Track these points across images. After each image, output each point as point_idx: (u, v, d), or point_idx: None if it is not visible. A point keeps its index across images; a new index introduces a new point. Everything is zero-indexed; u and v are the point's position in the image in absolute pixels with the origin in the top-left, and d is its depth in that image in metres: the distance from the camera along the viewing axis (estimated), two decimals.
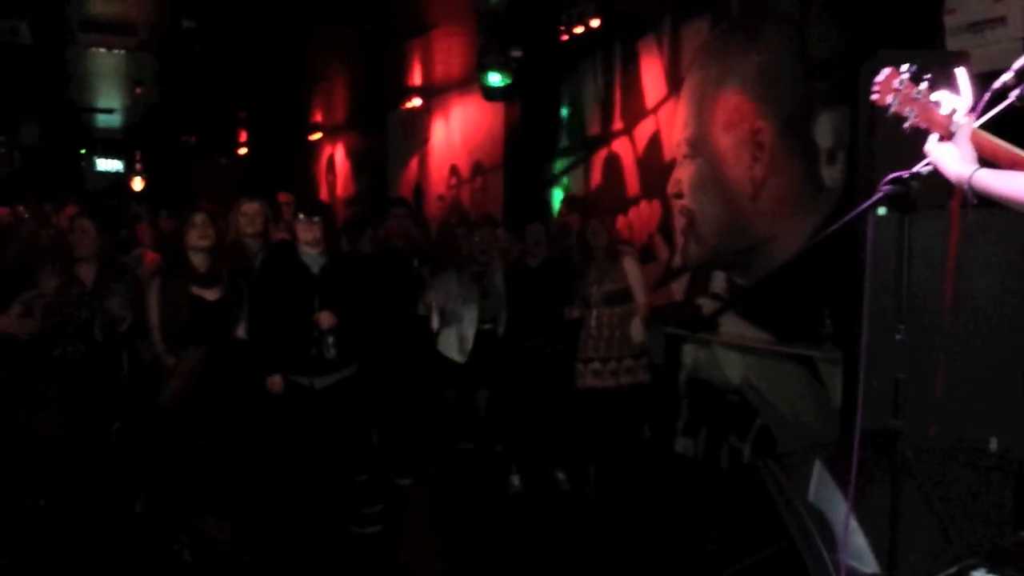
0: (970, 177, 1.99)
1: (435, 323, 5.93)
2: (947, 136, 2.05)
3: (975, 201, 2.04)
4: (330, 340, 4.88)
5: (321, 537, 4.96)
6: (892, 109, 2.07)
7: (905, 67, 2.07)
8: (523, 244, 6.18)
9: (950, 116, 2.05)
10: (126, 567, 4.62)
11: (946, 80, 2.18)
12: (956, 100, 2.07)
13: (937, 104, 2.07)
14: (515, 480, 5.92)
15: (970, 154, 2.02)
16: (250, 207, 5.38)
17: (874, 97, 2.10)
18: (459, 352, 6.00)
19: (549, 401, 5.93)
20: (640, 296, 5.81)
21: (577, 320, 5.80)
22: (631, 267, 5.84)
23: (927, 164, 2.24)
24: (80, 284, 4.91)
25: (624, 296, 5.78)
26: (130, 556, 4.69)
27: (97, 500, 5.03)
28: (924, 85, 2.05)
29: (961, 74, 2.10)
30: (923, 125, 2.07)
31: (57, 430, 4.78)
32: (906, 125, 2.08)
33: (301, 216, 4.96)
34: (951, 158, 2.03)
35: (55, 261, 4.92)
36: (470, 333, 5.98)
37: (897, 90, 2.06)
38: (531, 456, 6.02)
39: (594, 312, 5.75)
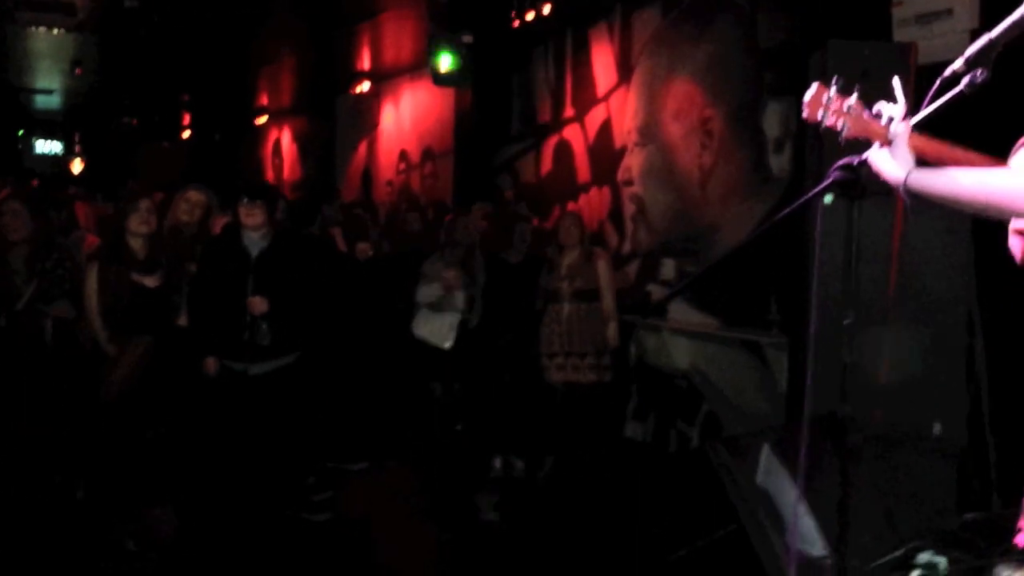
0: (904, 180, 1.96)
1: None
2: (885, 143, 2.06)
3: (911, 205, 2.02)
4: (264, 326, 4.72)
5: (268, 525, 4.89)
6: (824, 124, 2.07)
7: (833, 81, 2.08)
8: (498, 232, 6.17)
9: (887, 125, 2.05)
10: (69, 556, 4.52)
11: (892, 72, 2.19)
12: (892, 107, 2.08)
13: (872, 114, 2.08)
14: (496, 464, 5.95)
15: (906, 158, 2.02)
16: (194, 195, 5.27)
17: (805, 115, 2.10)
18: (445, 339, 5.94)
19: (515, 393, 5.93)
20: (609, 300, 5.75)
21: (540, 313, 5.78)
22: (604, 270, 5.78)
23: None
24: (7, 267, 4.77)
25: (593, 294, 5.73)
26: (72, 544, 4.58)
27: (38, 488, 4.91)
28: (854, 98, 2.05)
29: (896, 82, 2.11)
30: (859, 135, 2.07)
31: None
32: (841, 138, 2.08)
33: (245, 200, 4.84)
34: (887, 163, 2.03)
35: None
36: (455, 322, 5.93)
37: (826, 105, 2.07)
38: (489, 444, 6.02)
39: (564, 307, 5.72)
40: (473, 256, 6.08)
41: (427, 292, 5.96)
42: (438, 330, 5.92)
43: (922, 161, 2.05)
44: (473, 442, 6.21)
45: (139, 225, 4.70)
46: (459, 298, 5.93)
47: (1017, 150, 1.89)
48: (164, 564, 4.50)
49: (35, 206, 5.13)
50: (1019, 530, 1.96)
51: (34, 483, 4.91)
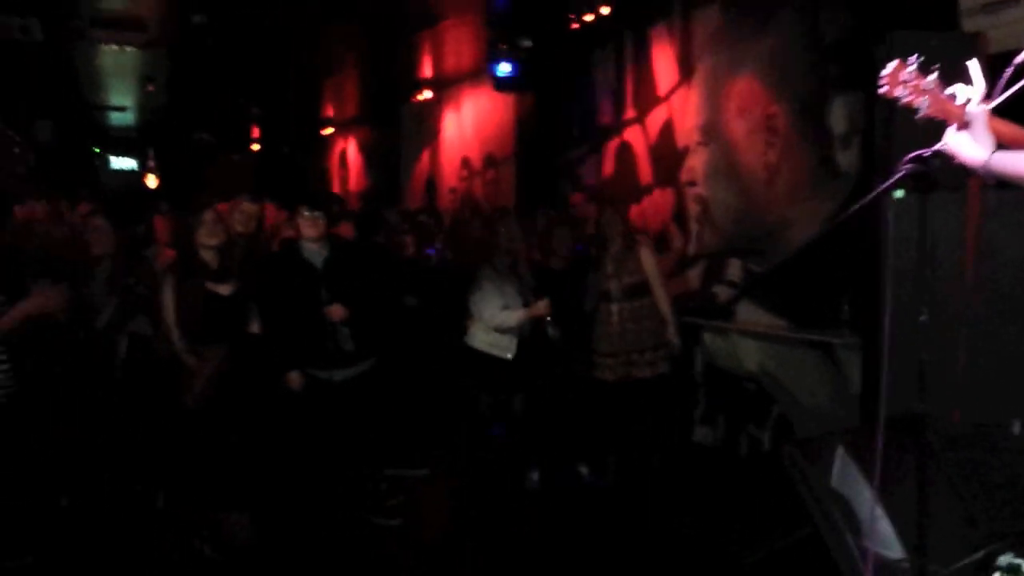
0: (987, 161, 1.99)
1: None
2: (962, 125, 2.04)
3: (992, 183, 2.04)
4: (345, 332, 4.86)
5: (342, 530, 4.96)
6: (903, 100, 2.06)
7: (912, 58, 2.05)
8: (539, 239, 6.08)
9: (963, 105, 2.03)
10: (147, 563, 4.63)
11: (961, 62, 2.16)
12: (969, 90, 2.06)
13: (950, 94, 2.06)
14: (534, 476, 5.89)
15: (987, 140, 2.01)
16: (248, 207, 5.38)
17: (882, 90, 2.08)
18: (508, 350, 5.71)
19: (571, 396, 5.90)
20: (658, 289, 5.68)
21: (590, 314, 5.75)
22: (647, 258, 5.72)
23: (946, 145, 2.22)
24: (92, 281, 4.93)
25: (643, 289, 5.66)
26: (151, 552, 4.70)
27: (118, 498, 5.04)
28: (934, 75, 2.03)
29: (973, 64, 2.08)
30: (937, 115, 2.05)
31: (67, 429, 4.76)
32: (919, 116, 2.06)
33: (305, 213, 4.92)
34: (968, 145, 2.02)
35: (73, 260, 4.89)
36: (516, 329, 5.70)
37: (905, 81, 2.04)
38: (552, 452, 5.98)
39: (614, 307, 5.68)
40: (520, 263, 5.89)
41: (491, 312, 5.68)
42: (499, 340, 5.75)
43: (998, 144, 2.03)
44: (526, 452, 6.04)
45: (208, 237, 4.80)
46: (517, 304, 5.79)
47: None
48: (241, 570, 4.59)
49: (117, 221, 5.27)
50: None
51: (115, 493, 5.05)
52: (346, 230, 6.09)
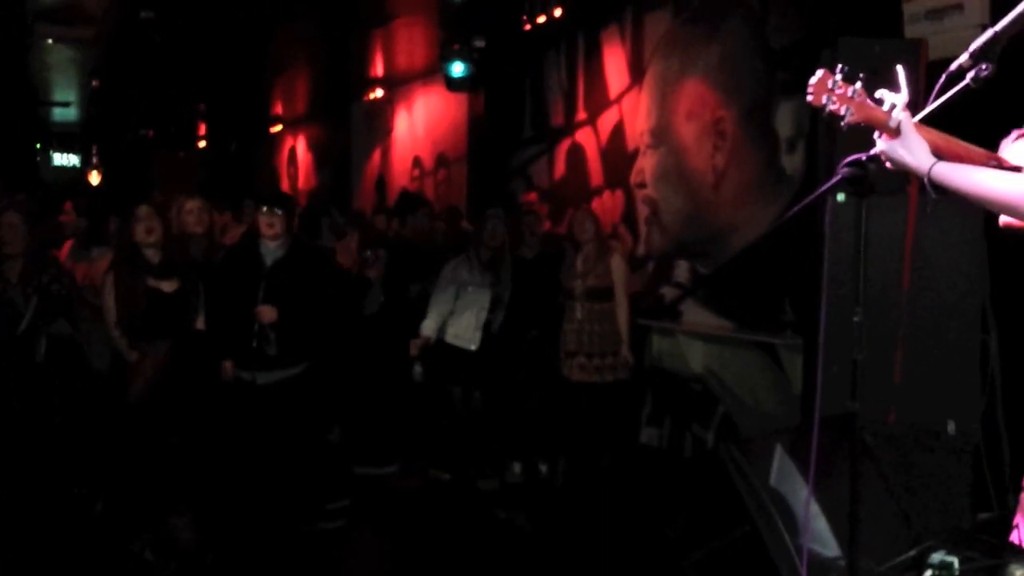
0: (929, 170, 1.99)
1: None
2: (889, 132, 2.06)
3: (935, 195, 2.06)
4: (271, 335, 4.72)
5: (283, 534, 4.90)
6: (827, 109, 2.06)
7: (839, 67, 2.07)
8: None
9: (889, 112, 2.05)
10: (86, 568, 4.54)
11: (905, 67, 2.19)
12: (895, 97, 2.08)
13: (876, 101, 2.09)
14: (516, 468, 5.95)
15: (924, 148, 2.04)
16: (192, 204, 5.30)
17: (809, 99, 2.10)
18: (472, 341, 5.86)
19: (540, 393, 5.93)
20: (621, 298, 5.71)
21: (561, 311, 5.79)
22: (617, 265, 5.74)
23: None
24: (4, 281, 4.74)
25: (606, 294, 5.69)
26: (90, 556, 4.60)
27: (56, 501, 4.93)
28: (859, 84, 2.06)
29: (899, 70, 2.12)
30: (862, 122, 2.07)
31: None
32: (843, 123, 2.08)
33: (264, 209, 4.85)
34: (906, 152, 2.04)
35: None
36: (474, 320, 5.85)
37: (831, 90, 2.06)
38: (515, 449, 6.02)
39: (576, 305, 5.71)
40: (502, 259, 5.99)
41: (441, 298, 5.90)
42: (464, 331, 5.85)
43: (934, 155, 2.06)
44: (494, 446, 6.17)
45: (145, 235, 4.72)
46: (484, 296, 5.88)
47: (1008, 143, 1.90)
48: (183, 574, 4.52)
49: (33, 219, 5.13)
50: (1015, 527, 1.95)
51: (52, 497, 4.94)
52: None
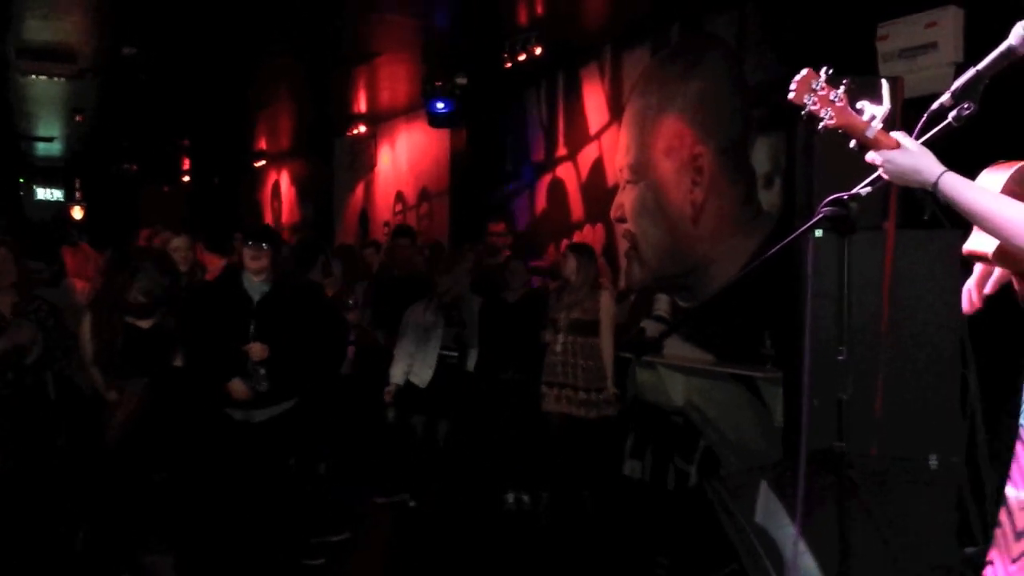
0: (938, 179, 1.93)
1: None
2: (865, 141, 2.05)
3: (927, 211, 2.01)
4: (261, 372, 4.69)
5: (269, 570, 4.85)
6: (807, 109, 2.03)
7: (823, 69, 2.07)
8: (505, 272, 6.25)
9: (868, 122, 2.04)
10: None
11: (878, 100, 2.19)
12: (876, 108, 2.07)
13: (858, 110, 2.08)
14: (510, 498, 5.98)
15: (928, 154, 1.97)
16: (179, 242, 5.29)
17: (791, 96, 2.06)
18: (420, 379, 6.01)
19: (515, 427, 5.94)
20: (606, 335, 5.73)
21: (544, 346, 5.83)
22: (606, 302, 5.78)
23: (868, 184, 2.25)
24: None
25: (591, 328, 5.71)
26: None
27: (36, 537, 4.87)
28: (842, 89, 2.05)
29: (883, 83, 2.11)
30: (839, 127, 2.06)
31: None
32: (820, 126, 2.06)
33: (249, 243, 4.82)
34: (912, 160, 1.98)
35: None
36: (431, 359, 5.98)
37: (814, 90, 2.06)
38: (493, 481, 6.02)
39: (560, 337, 5.74)
40: (460, 304, 6.15)
41: (404, 343, 6.08)
42: (419, 370, 6.03)
43: None
44: (477, 480, 6.21)
45: (138, 294, 4.74)
46: (437, 337, 6.02)
47: (986, 174, 1.91)
48: None
49: (26, 253, 5.12)
50: (989, 563, 1.95)
51: (34, 534, 4.88)
52: None
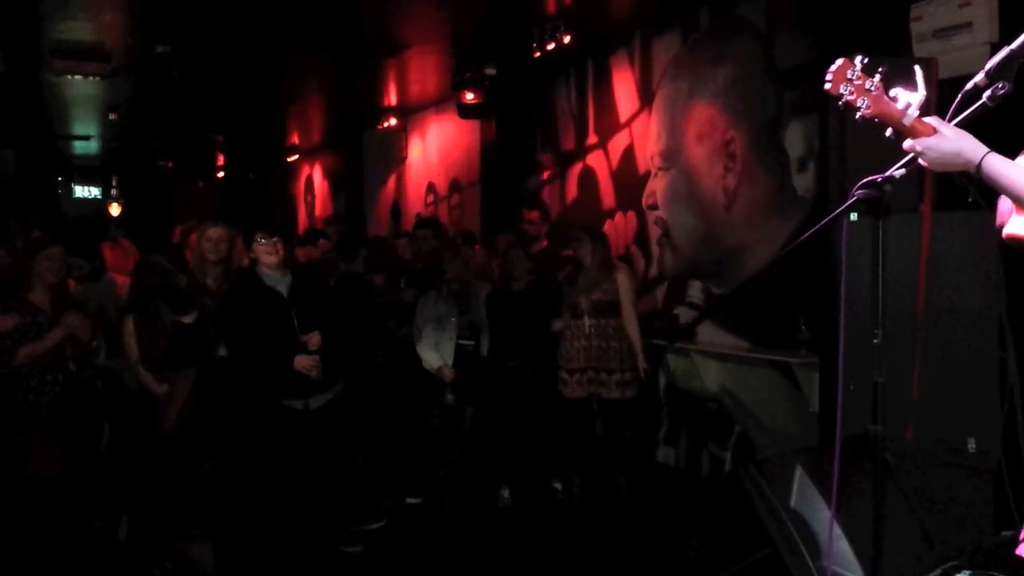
0: (981, 160, 1.93)
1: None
2: (903, 129, 2.03)
3: (971, 194, 2.00)
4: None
5: (307, 558, 4.92)
6: (844, 99, 2.04)
7: (859, 58, 2.06)
8: (500, 261, 6.24)
9: (904, 110, 2.03)
10: None
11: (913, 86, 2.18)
12: (912, 95, 2.06)
13: (892, 98, 2.06)
14: (505, 493, 5.95)
15: (970, 137, 1.96)
16: (215, 232, 5.34)
17: (827, 86, 2.07)
18: (429, 363, 6.06)
19: (531, 415, 5.94)
20: (628, 313, 5.78)
21: (559, 333, 5.83)
22: (623, 281, 5.82)
23: (902, 166, 2.24)
24: (41, 311, 4.70)
25: (613, 308, 5.76)
26: None
27: (81, 529, 4.97)
28: (877, 77, 2.04)
29: (918, 70, 2.10)
30: (876, 116, 2.05)
31: (57, 467, 4.64)
32: (857, 116, 2.05)
33: (261, 239, 4.79)
34: (954, 144, 1.97)
35: (12, 289, 4.70)
36: (449, 348, 5.99)
37: (850, 80, 2.05)
38: (519, 470, 6.03)
39: (581, 322, 5.75)
40: (468, 291, 6.15)
41: (418, 333, 6.12)
42: (427, 356, 6.07)
43: None
44: (482, 471, 6.24)
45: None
46: (452, 327, 6.03)
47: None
48: None
49: (72, 251, 5.20)
50: (1022, 541, 1.93)
51: (78, 523, 4.97)
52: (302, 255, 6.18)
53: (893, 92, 2.05)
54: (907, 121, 2.00)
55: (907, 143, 2.05)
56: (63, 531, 4.77)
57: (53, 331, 4.58)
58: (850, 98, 2.02)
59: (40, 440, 4.62)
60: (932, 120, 2.01)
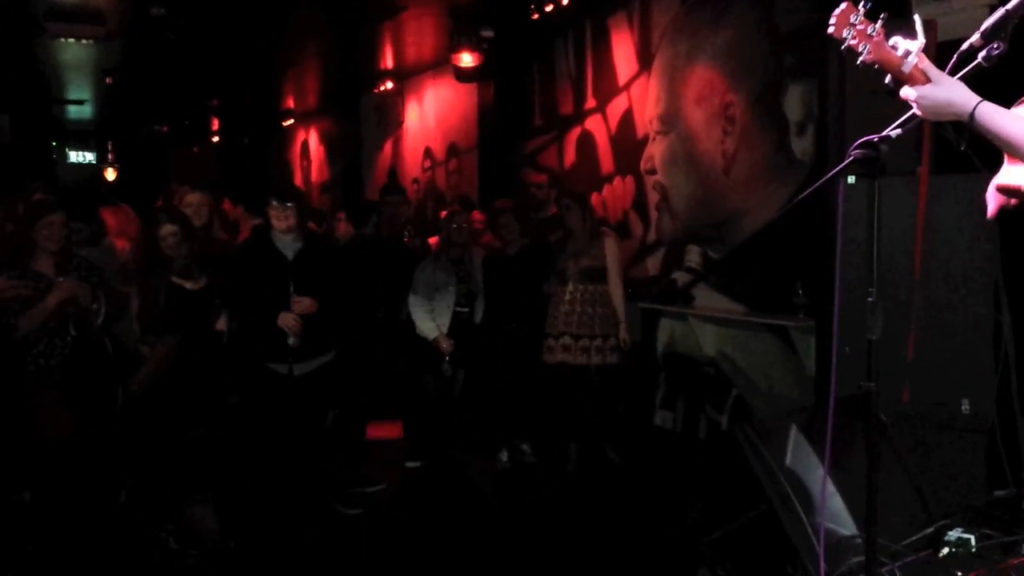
0: (974, 109, 1.96)
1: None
2: (902, 77, 2.06)
3: (963, 142, 2.02)
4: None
5: (305, 520, 4.98)
6: (845, 43, 2.07)
7: (861, 3, 2.08)
8: (497, 226, 6.26)
9: (903, 57, 2.05)
10: (111, 556, 4.62)
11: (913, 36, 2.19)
12: (911, 43, 2.08)
13: (892, 46, 2.08)
14: (503, 456, 6.02)
15: (961, 86, 2.00)
16: (192, 198, 5.33)
17: (830, 30, 2.10)
18: (424, 332, 6.02)
19: (520, 378, 6.00)
20: (614, 279, 5.83)
21: (547, 296, 5.87)
22: (611, 247, 5.87)
23: (899, 126, 2.25)
24: (44, 277, 4.64)
25: (600, 274, 5.81)
26: (115, 545, 4.68)
27: (82, 492, 5.01)
28: (879, 23, 2.06)
29: (916, 18, 2.12)
30: (876, 62, 2.07)
31: (70, 430, 4.62)
32: (858, 61, 2.08)
33: (274, 203, 4.91)
34: (946, 92, 2.00)
35: (15, 255, 4.64)
36: (446, 317, 5.99)
37: (852, 24, 2.07)
38: (508, 433, 6.10)
39: (568, 287, 5.80)
40: (468, 253, 6.14)
41: (414, 300, 6.03)
42: (430, 330, 5.99)
43: None
44: (480, 433, 6.30)
45: (173, 250, 4.80)
46: (451, 295, 5.99)
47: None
48: (205, 562, 4.60)
49: (72, 216, 5.16)
50: None
51: (77, 488, 5.01)
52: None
53: (893, 41, 2.07)
54: (906, 68, 2.03)
55: (903, 91, 2.08)
56: (80, 494, 4.81)
57: (49, 295, 4.56)
58: (852, 42, 2.05)
59: (51, 403, 4.61)
60: (929, 68, 2.03)
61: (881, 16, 2.06)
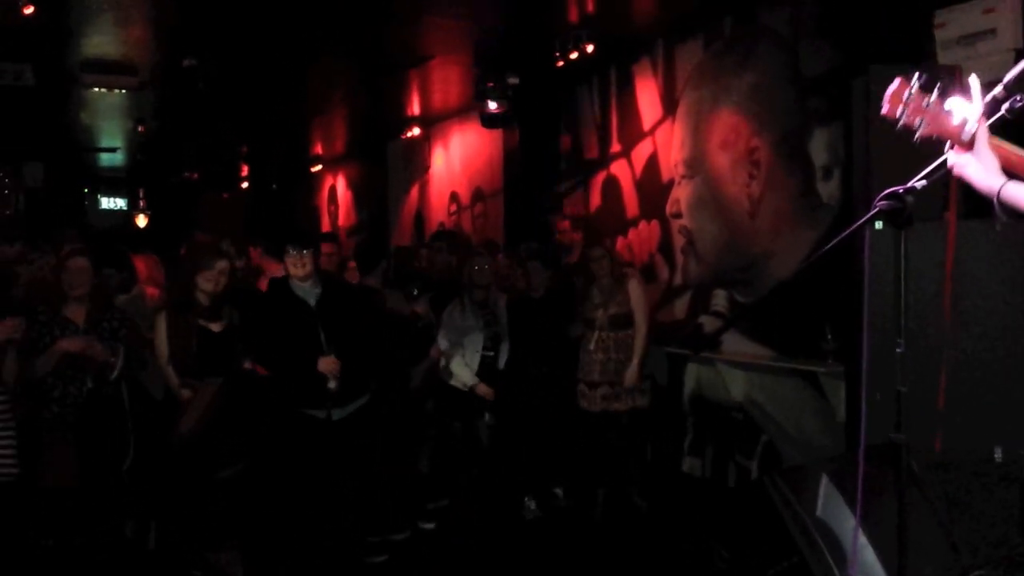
0: (999, 191, 1.95)
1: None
2: (961, 145, 2.03)
3: (1004, 217, 2.00)
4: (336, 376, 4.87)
5: (333, 569, 4.95)
6: (902, 122, 2.03)
7: (915, 78, 2.05)
8: (523, 270, 6.25)
9: (962, 125, 2.02)
10: None
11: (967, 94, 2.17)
12: (968, 108, 2.04)
13: (948, 113, 2.05)
14: (531, 505, 5.96)
15: (994, 165, 1.99)
16: (223, 266, 5.36)
17: (884, 110, 2.05)
18: (463, 380, 6.00)
19: (552, 424, 5.96)
20: (640, 322, 5.82)
21: (577, 341, 5.85)
22: (635, 290, 5.87)
23: (924, 177, 2.24)
24: (72, 324, 4.69)
25: (628, 320, 5.81)
26: None
27: (109, 537, 5.01)
28: (934, 95, 2.03)
29: (973, 81, 2.08)
30: (934, 134, 2.04)
31: (72, 480, 4.64)
32: (916, 137, 2.04)
33: (291, 251, 4.92)
34: (977, 170, 2.00)
35: (45, 301, 4.69)
36: (475, 360, 5.98)
37: (906, 102, 2.04)
38: (539, 479, 6.04)
39: (596, 335, 5.78)
40: (489, 296, 6.13)
41: (444, 346, 6.01)
42: (461, 374, 5.98)
43: (1006, 172, 2.02)
44: (508, 481, 6.21)
45: (207, 283, 4.83)
46: (478, 338, 5.99)
47: None
48: None
49: (99, 262, 5.21)
50: None
51: (106, 532, 5.01)
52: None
53: (948, 105, 2.04)
54: (965, 138, 2.00)
55: (948, 156, 2.06)
56: (78, 540, 4.79)
57: (60, 340, 4.57)
58: (907, 120, 2.02)
59: (57, 452, 4.63)
60: (979, 137, 2.01)
61: (936, 87, 2.03)
